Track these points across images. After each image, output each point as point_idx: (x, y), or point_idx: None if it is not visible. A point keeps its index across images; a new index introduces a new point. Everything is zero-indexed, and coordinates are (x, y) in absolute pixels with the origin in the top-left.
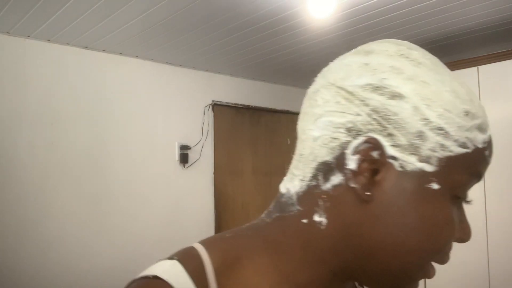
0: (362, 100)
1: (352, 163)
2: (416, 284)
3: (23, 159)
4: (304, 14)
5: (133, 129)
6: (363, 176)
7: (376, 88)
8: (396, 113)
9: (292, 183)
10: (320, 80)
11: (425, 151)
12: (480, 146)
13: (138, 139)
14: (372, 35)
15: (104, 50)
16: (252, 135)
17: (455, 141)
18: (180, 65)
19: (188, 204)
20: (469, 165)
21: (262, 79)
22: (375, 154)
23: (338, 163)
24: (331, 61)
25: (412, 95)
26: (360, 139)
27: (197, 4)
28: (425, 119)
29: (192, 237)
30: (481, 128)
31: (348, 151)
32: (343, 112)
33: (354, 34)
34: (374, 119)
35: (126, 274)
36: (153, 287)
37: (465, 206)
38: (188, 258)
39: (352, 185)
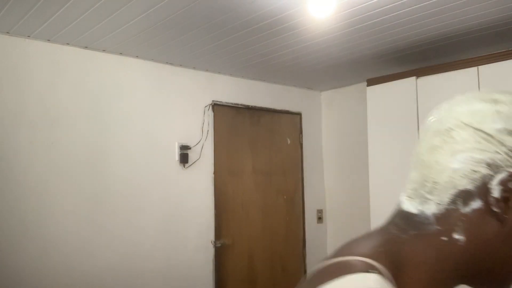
0: (499, 141)
1: (496, 192)
2: None
3: (23, 159)
4: (304, 14)
5: (133, 129)
6: (504, 202)
7: (510, 132)
8: None
9: (427, 206)
10: (451, 120)
11: None
12: None
13: (138, 139)
14: (372, 35)
15: (104, 50)
16: (252, 135)
17: None
18: (180, 65)
19: (188, 204)
20: None
21: (262, 79)
22: (510, 185)
23: (480, 191)
24: (331, 61)
25: None
26: (505, 174)
27: (197, 4)
28: None
29: (192, 237)
30: None
31: (494, 183)
32: (484, 150)
33: (354, 34)
34: (511, 157)
35: (126, 274)
36: None
37: None
38: (381, 272)
39: (495, 209)
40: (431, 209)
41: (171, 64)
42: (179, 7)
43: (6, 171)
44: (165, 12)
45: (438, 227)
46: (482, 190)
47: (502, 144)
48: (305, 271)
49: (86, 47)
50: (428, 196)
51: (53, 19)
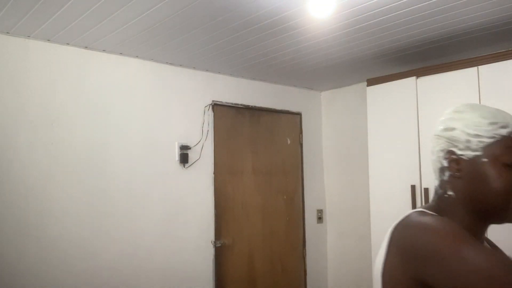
0: (441, 136)
1: (446, 163)
2: (509, 211)
3: (23, 159)
4: (304, 14)
5: (133, 129)
6: (452, 167)
7: (446, 129)
8: (454, 136)
9: (436, 181)
10: (436, 130)
11: (473, 146)
12: (505, 134)
13: (138, 139)
14: (372, 35)
15: (104, 50)
16: (252, 135)
17: (487, 137)
18: (180, 65)
19: (188, 204)
20: (502, 144)
21: (262, 79)
22: (453, 156)
23: (445, 166)
24: (331, 61)
25: (459, 126)
26: (447, 153)
27: (197, 4)
28: (468, 134)
29: (192, 237)
30: (504, 126)
31: (444, 160)
32: (440, 145)
33: (354, 34)
34: (448, 143)
35: (126, 274)
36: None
37: None
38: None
39: (452, 172)
40: (436, 182)
41: (171, 64)
42: (179, 7)
43: (6, 171)
44: (165, 12)
45: (441, 190)
46: (445, 165)
47: (443, 137)
48: (305, 271)
49: (86, 47)
50: (434, 176)
51: (53, 19)
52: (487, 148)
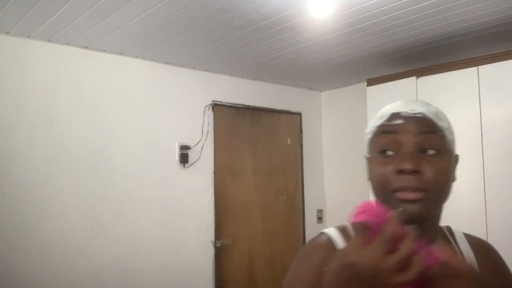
0: None
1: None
2: (392, 190)
3: (23, 159)
4: (304, 14)
5: (133, 129)
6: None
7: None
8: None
9: None
10: None
11: (367, 146)
12: (379, 124)
13: (138, 139)
14: (372, 35)
15: (104, 50)
16: (252, 135)
17: (369, 133)
18: (180, 65)
19: (188, 204)
20: (376, 134)
21: (262, 79)
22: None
23: None
24: (331, 61)
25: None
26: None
27: (197, 4)
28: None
29: (192, 237)
30: (381, 116)
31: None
32: None
33: (354, 34)
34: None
35: (126, 274)
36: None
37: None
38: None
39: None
40: None
41: (171, 64)
42: (179, 7)
43: (6, 171)
44: (165, 12)
45: None
46: None
47: None
48: None
49: (86, 47)
50: None
51: (53, 19)
52: (369, 144)
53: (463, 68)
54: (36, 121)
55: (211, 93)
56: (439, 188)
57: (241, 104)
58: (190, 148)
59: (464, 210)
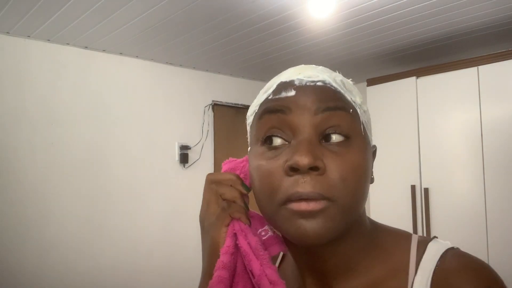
0: None
1: None
2: (275, 196)
3: (23, 159)
4: (304, 14)
5: (133, 129)
6: None
7: None
8: None
9: None
10: None
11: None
12: (263, 99)
13: (138, 139)
14: (372, 35)
15: (104, 50)
16: None
17: (250, 115)
18: (180, 65)
19: (188, 204)
20: (259, 114)
21: (262, 79)
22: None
23: None
24: (331, 61)
25: None
26: None
27: (197, 4)
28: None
29: (192, 237)
30: (266, 89)
31: None
32: None
33: (354, 34)
34: None
35: (126, 274)
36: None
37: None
38: None
39: None
40: None
41: (171, 64)
42: (179, 7)
43: (6, 171)
44: (165, 12)
45: None
46: None
47: None
48: None
49: (86, 47)
50: None
51: (53, 19)
52: (250, 132)
53: (463, 68)
54: (36, 121)
55: (211, 93)
56: (350, 193)
57: (241, 104)
58: (190, 148)
59: (464, 210)
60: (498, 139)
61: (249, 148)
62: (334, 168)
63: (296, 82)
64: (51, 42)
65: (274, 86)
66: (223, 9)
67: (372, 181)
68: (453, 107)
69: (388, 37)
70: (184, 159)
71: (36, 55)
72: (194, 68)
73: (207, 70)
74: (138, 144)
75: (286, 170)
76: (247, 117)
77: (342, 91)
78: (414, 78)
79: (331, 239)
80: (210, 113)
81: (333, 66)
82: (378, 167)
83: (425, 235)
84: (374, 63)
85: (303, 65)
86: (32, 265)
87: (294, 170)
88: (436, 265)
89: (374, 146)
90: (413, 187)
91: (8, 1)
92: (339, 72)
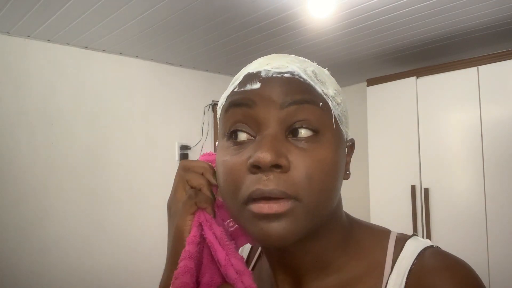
0: None
1: None
2: (239, 193)
3: (23, 159)
4: (304, 14)
5: (133, 129)
6: None
7: None
8: None
9: None
10: None
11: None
12: (230, 90)
13: (138, 139)
14: (372, 35)
15: (104, 50)
16: None
17: (219, 107)
18: (180, 65)
19: None
20: (225, 107)
21: None
22: None
23: None
24: (331, 61)
25: None
26: None
27: (197, 4)
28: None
29: None
30: (234, 81)
31: None
32: None
33: (354, 34)
34: None
35: (126, 274)
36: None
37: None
38: None
39: None
40: None
41: (171, 64)
42: (179, 7)
43: (6, 171)
44: (165, 12)
45: None
46: None
47: None
48: None
49: (86, 47)
50: None
51: (53, 19)
52: (219, 125)
53: (463, 68)
54: (36, 121)
55: (211, 93)
56: (317, 192)
57: None
58: (190, 148)
59: (464, 210)
60: (498, 139)
61: (216, 143)
62: (299, 165)
63: (263, 74)
64: (51, 42)
65: (241, 78)
66: (223, 9)
67: (347, 177)
68: (453, 107)
69: (388, 37)
70: (184, 159)
71: (36, 55)
72: (194, 68)
73: (207, 70)
74: (138, 144)
75: (248, 167)
76: (217, 109)
77: (312, 83)
78: (414, 78)
79: (296, 240)
80: (210, 113)
81: (333, 66)
82: (378, 167)
83: (425, 235)
84: (374, 63)
85: (274, 55)
86: (32, 265)
87: (256, 167)
88: (413, 264)
89: (351, 140)
90: (413, 187)
91: (8, 1)
92: (338, 72)
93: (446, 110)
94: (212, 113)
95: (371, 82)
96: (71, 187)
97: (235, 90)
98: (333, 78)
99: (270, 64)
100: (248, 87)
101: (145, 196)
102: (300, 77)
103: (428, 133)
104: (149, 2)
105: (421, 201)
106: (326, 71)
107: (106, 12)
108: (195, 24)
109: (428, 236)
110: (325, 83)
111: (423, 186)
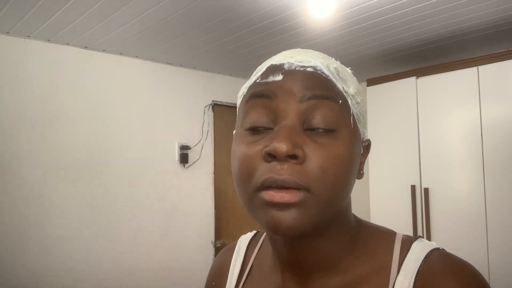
0: None
1: None
2: (250, 182)
3: (23, 159)
4: (304, 14)
5: (133, 129)
6: None
7: None
8: None
9: None
10: None
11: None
12: (252, 82)
13: (138, 139)
14: (372, 35)
15: (104, 50)
16: None
17: (239, 97)
18: (180, 65)
19: (188, 204)
20: (245, 100)
21: None
22: None
23: None
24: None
25: None
26: None
27: (197, 4)
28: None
29: (192, 237)
30: (256, 72)
31: None
32: None
33: (354, 34)
34: None
35: (126, 274)
36: None
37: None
38: None
39: None
40: None
41: (171, 64)
42: (179, 7)
43: (5, 171)
44: (165, 12)
45: None
46: None
47: None
48: None
49: (86, 47)
50: None
51: (53, 19)
52: (238, 115)
53: (463, 68)
54: (36, 121)
55: (211, 93)
56: (329, 185)
57: None
58: (190, 148)
59: (464, 210)
60: (498, 139)
61: (234, 131)
62: (314, 158)
63: (286, 66)
64: (51, 42)
65: (264, 69)
66: (223, 9)
67: (360, 176)
68: (453, 107)
69: (388, 37)
70: (184, 159)
71: (36, 55)
72: (194, 68)
73: (207, 70)
74: (138, 144)
75: (264, 156)
76: (237, 98)
77: (333, 79)
78: (414, 78)
79: (305, 232)
80: (210, 113)
81: None
82: (378, 167)
83: (425, 235)
84: (374, 63)
85: (299, 49)
86: (32, 264)
87: (271, 156)
88: (420, 266)
89: (368, 141)
90: (413, 187)
91: (8, 1)
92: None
93: (446, 110)
94: (212, 113)
95: (371, 82)
96: (71, 186)
97: (258, 81)
98: (355, 78)
99: (294, 57)
100: (271, 78)
101: (145, 196)
102: (323, 72)
103: (428, 133)
104: (149, 2)
105: (421, 201)
106: (349, 70)
107: (106, 12)
108: (195, 24)
109: (428, 236)
110: (347, 81)
111: (423, 186)
